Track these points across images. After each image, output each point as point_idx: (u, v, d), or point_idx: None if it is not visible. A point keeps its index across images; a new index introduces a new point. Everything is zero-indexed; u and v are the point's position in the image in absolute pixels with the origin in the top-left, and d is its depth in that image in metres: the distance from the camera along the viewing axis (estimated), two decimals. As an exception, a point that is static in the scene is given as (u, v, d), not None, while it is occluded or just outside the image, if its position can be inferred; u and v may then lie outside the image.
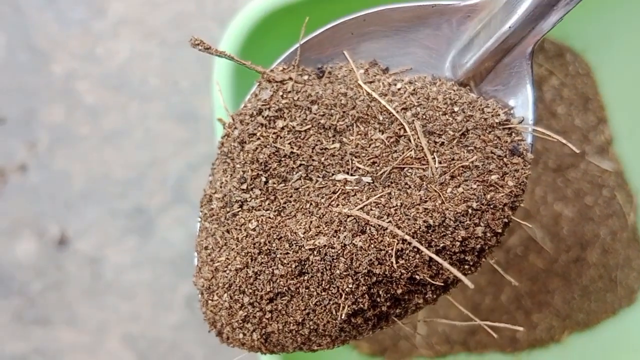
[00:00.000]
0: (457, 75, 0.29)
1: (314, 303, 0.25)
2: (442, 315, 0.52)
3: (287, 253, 0.26)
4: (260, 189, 0.28)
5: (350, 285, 0.25)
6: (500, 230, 0.26)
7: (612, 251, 0.54)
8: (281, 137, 0.28)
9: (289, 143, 0.28)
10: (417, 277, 0.25)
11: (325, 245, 0.25)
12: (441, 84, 0.29)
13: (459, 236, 0.25)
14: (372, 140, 0.27)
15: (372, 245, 0.25)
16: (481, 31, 0.28)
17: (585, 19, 0.51)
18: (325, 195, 0.27)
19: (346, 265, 0.25)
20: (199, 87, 0.59)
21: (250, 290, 0.26)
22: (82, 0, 0.59)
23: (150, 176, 0.58)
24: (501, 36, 0.27)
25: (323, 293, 0.25)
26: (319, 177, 0.27)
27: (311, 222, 0.26)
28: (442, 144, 0.27)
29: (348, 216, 0.25)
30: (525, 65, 0.28)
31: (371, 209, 0.26)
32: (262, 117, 0.28)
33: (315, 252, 0.25)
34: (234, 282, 0.26)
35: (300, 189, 0.27)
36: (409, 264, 0.25)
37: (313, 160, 0.27)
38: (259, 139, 0.28)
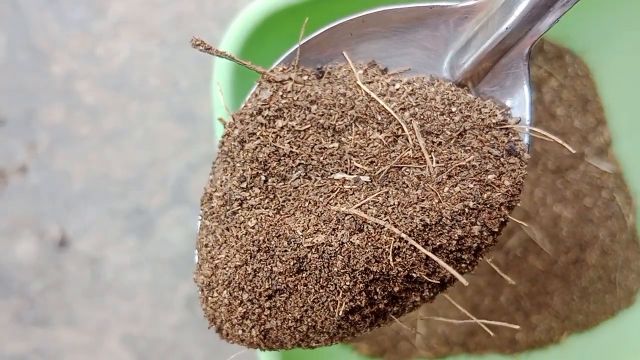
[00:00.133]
0: (455, 75, 0.29)
1: (311, 300, 0.26)
2: (441, 316, 0.52)
3: (286, 251, 0.26)
4: (259, 188, 0.28)
5: (348, 283, 0.25)
6: (496, 229, 0.26)
7: (611, 253, 0.54)
8: (281, 137, 0.28)
9: (289, 142, 0.28)
10: (414, 275, 0.25)
11: (323, 243, 0.25)
12: (439, 84, 0.29)
13: (456, 235, 0.25)
14: (370, 139, 0.27)
15: (370, 243, 0.25)
16: (479, 32, 0.28)
17: (585, 20, 0.51)
18: (324, 194, 0.27)
19: (344, 263, 0.25)
20: (198, 87, 0.59)
21: (249, 287, 0.26)
22: (82, 0, 0.59)
23: (150, 176, 0.59)
24: (498, 37, 0.27)
25: (321, 290, 0.25)
26: (317, 176, 0.28)
27: (310, 220, 0.26)
28: (440, 143, 0.27)
29: (346, 214, 0.26)
30: (522, 66, 0.28)
31: (369, 208, 0.26)
32: (262, 116, 0.28)
33: (313, 250, 0.25)
34: (234, 279, 0.27)
35: (299, 188, 0.28)
36: (405, 262, 0.25)
37: (312, 159, 0.28)
38: (258, 138, 0.28)
